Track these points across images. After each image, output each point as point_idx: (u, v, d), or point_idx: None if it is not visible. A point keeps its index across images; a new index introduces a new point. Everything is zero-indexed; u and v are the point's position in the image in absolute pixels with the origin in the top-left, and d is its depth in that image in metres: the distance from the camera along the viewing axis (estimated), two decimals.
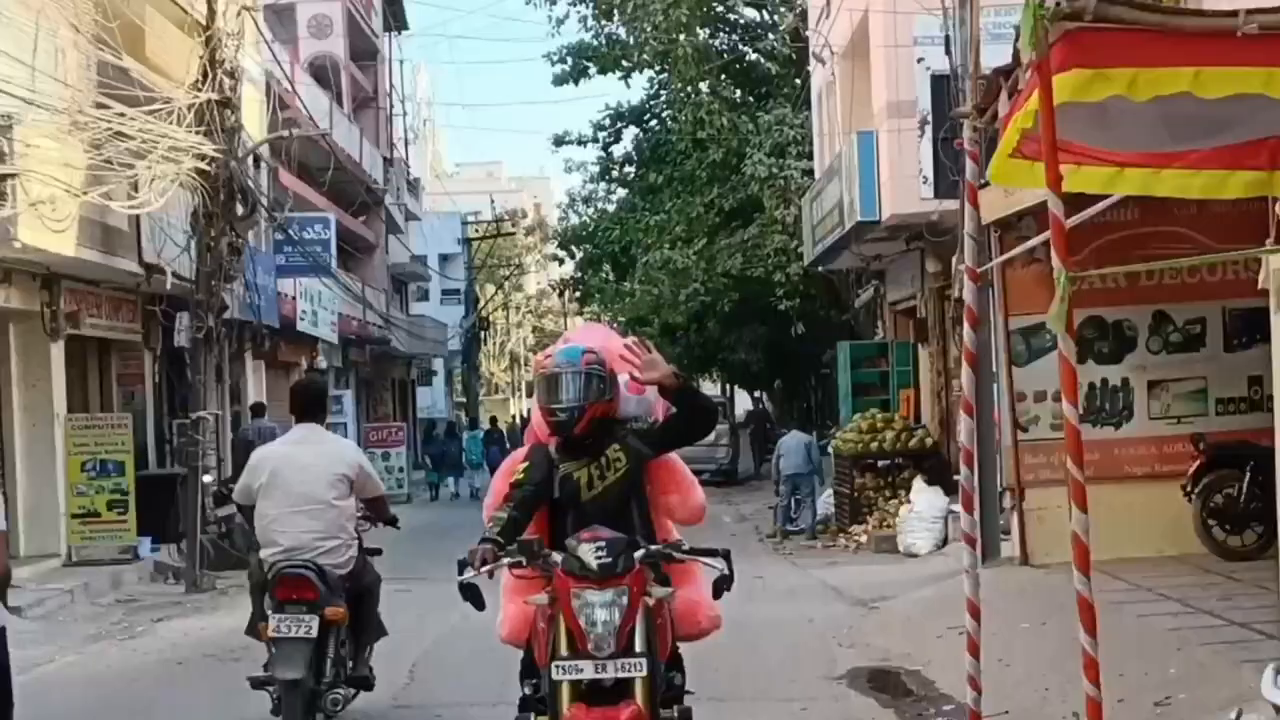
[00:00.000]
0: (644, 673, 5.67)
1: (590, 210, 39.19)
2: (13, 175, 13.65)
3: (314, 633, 7.77)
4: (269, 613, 7.93)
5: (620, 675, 5.62)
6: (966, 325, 7.75)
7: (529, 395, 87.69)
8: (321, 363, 30.45)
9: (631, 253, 34.04)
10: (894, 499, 19.20)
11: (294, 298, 26.04)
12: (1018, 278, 13.29)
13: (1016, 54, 6.12)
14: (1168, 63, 5.69)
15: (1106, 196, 7.66)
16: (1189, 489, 12.49)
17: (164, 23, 18.01)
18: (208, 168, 15.60)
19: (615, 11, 32.95)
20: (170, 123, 15.20)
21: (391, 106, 42.14)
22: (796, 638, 12.01)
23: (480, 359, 60.76)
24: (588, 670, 5.61)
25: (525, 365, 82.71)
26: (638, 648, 5.69)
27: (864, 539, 19.18)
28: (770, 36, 32.11)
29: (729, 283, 30.66)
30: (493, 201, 61.49)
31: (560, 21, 34.21)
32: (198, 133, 15.37)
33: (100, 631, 13.28)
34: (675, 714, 6.02)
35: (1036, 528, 13.39)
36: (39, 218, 14.13)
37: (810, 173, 26.98)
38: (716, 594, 6.20)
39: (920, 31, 16.78)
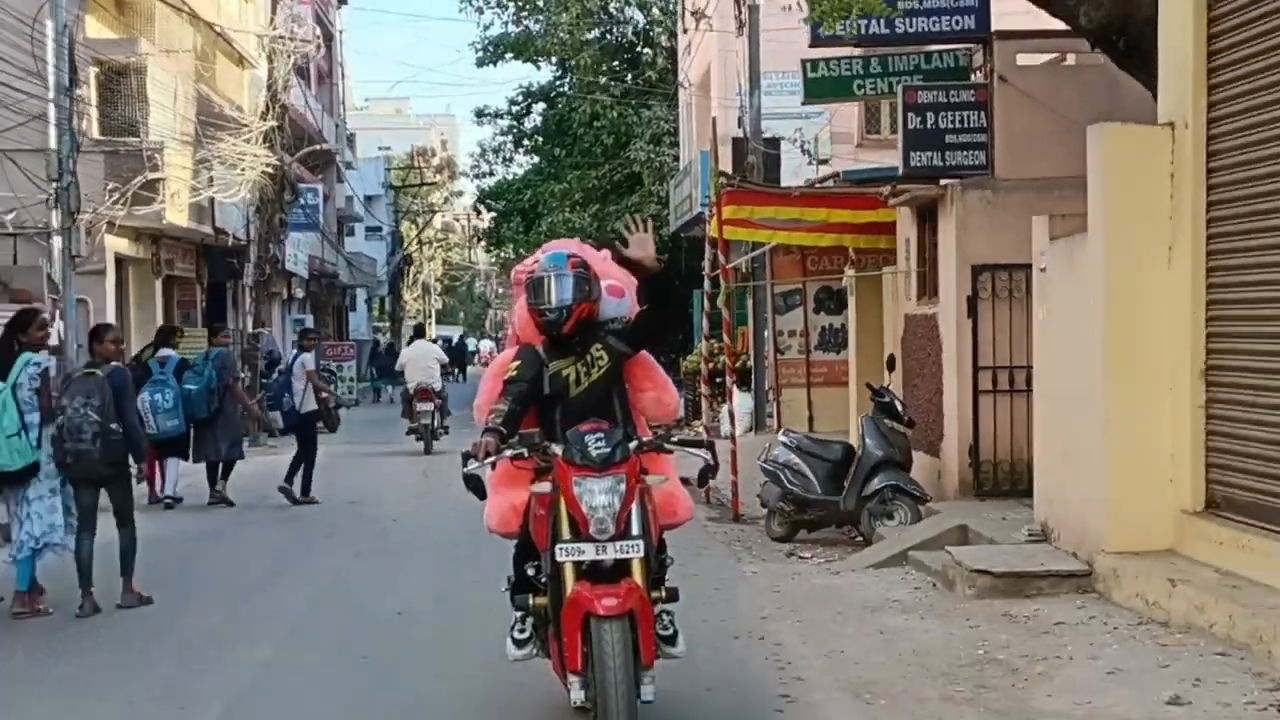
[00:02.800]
0: (640, 554, 5.96)
1: (499, 159, 47.53)
2: (162, 179, 21.91)
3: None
4: (415, 402, 18.21)
5: (619, 556, 5.91)
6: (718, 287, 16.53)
7: (438, 322, 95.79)
8: (299, 293, 38.66)
9: (539, 209, 42.33)
10: (722, 402, 27.87)
11: (284, 242, 34.31)
12: (780, 261, 22.03)
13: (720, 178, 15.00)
14: (769, 204, 14.61)
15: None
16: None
17: (228, 64, 26.22)
18: (271, 170, 23.95)
19: (527, 10, 41.51)
20: (248, 140, 23.54)
21: (344, 78, 49.96)
22: None
23: (402, 289, 68.68)
24: (589, 552, 5.89)
25: (434, 294, 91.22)
26: (635, 531, 5.97)
27: (700, 429, 27.88)
28: (649, 51, 40.53)
29: (616, 239, 39.16)
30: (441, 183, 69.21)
31: (481, 11, 42.35)
32: (267, 147, 23.70)
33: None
34: (664, 593, 6.38)
35: (786, 411, 22.26)
36: (173, 205, 22.44)
37: (678, 158, 35.53)
38: (702, 482, 6.82)
39: (741, 93, 25.32)
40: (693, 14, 23.69)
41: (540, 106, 45.82)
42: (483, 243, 58.71)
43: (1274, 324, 8.12)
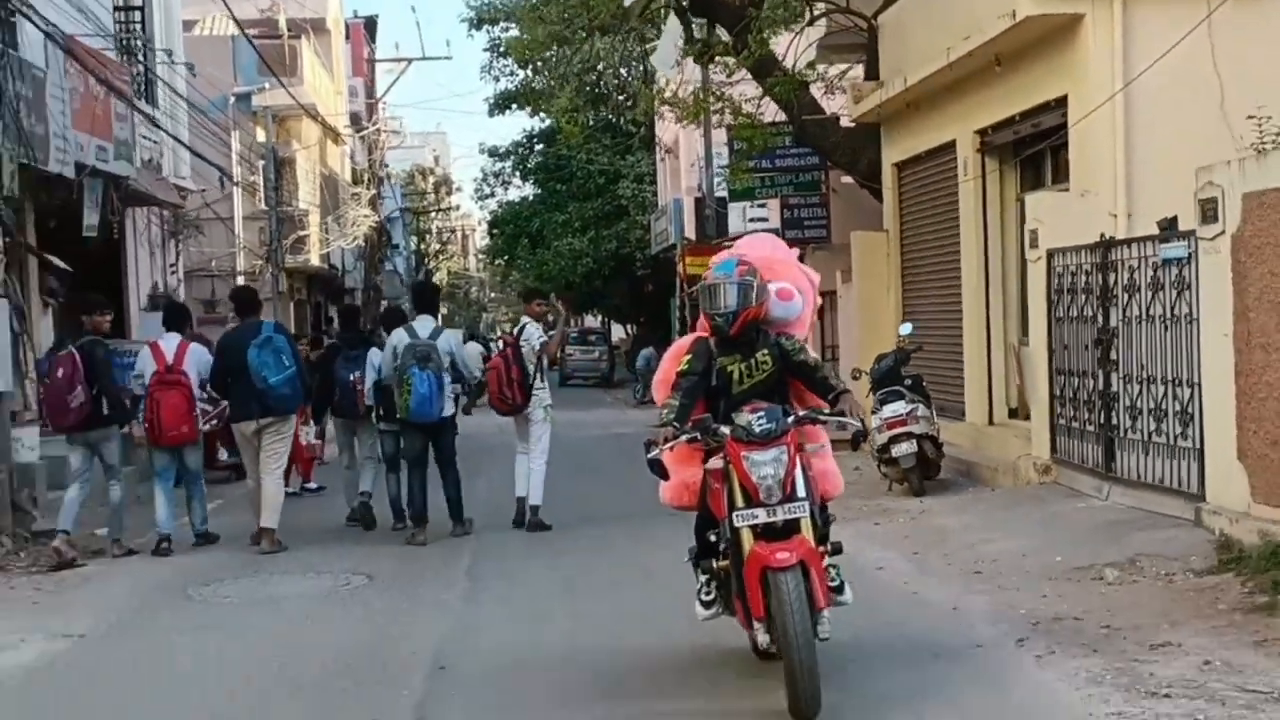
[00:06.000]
0: (806, 513, 6.73)
1: (499, 183, 57.80)
2: (307, 235, 32.40)
3: None
4: None
5: (788, 517, 6.67)
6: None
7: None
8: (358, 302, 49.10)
9: (543, 233, 52.59)
10: None
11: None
12: None
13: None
14: (714, 253, 25.20)
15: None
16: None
17: (332, 147, 36.58)
18: (374, 225, 34.29)
19: (530, 67, 51.97)
20: (355, 198, 33.97)
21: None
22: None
23: None
24: (762, 515, 6.66)
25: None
26: (800, 493, 6.75)
27: None
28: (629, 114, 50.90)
29: (608, 257, 49.58)
30: (439, 198, 79.28)
31: (497, 80, 52.59)
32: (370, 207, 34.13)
33: None
34: (829, 548, 7.09)
35: None
36: (312, 252, 32.90)
37: (657, 193, 45.94)
38: (855, 445, 8.11)
39: (699, 164, 35.66)
40: (667, 151, 33.59)
41: (540, 146, 56.17)
42: (485, 258, 68.87)
43: (930, 319, 18.51)
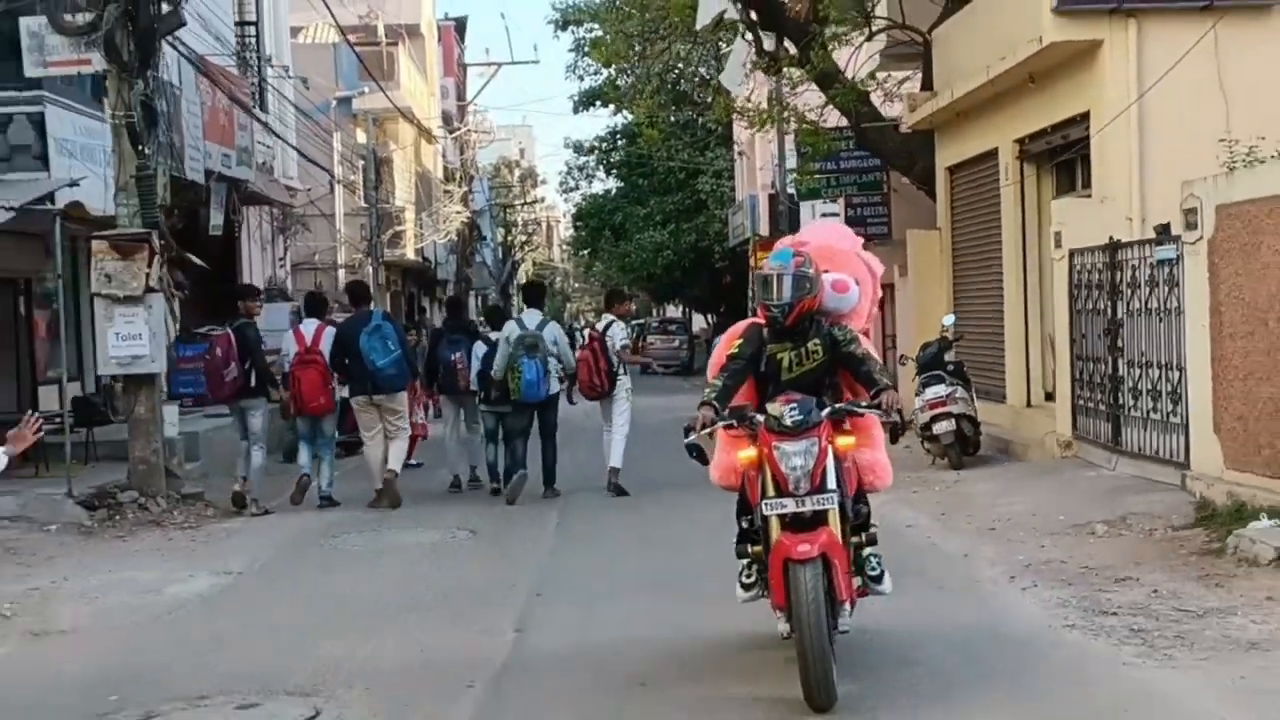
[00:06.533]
0: (833, 505, 6.81)
1: (583, 176, 59.66)
2: (404, 230, 34.48)
3: None
4: None
5: (815, 508, 6.78)
6: None
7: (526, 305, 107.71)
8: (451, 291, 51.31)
9: (626, 227, 54.47)
10: None
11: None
12: None
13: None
14: None
15: None
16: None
17: (426, 146, 38.67)
18: (466, 220, 36.33)
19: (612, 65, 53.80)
20: (448, 194, 36.02)
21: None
22: None
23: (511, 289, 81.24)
24: (790, 505, 6.77)
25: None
26: (829, 485, 6.82)
27: None
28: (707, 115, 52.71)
29: (688, 250, 51.41)
30: (524, 191, 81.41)
31: (582, 79, 54.50)
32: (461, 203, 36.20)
33: None
34: (863, 539, 7.34)
35: None
36: (408, 246, 34.98)
37: (735, 188, 47.70)
38: (893, 439, 7.55)
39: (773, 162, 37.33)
40: (740, 153, 35.32)
41: (622, 142, 58.01)
42: (569, 249, 70.88)
43: (975, 311, 20.14)
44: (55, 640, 9.18)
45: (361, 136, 34.57)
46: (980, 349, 19.02)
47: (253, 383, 14.27)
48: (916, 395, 16.43)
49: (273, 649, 8.66)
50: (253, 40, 26.21)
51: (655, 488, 15.46)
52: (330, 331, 14.77)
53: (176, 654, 8.64)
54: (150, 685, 7.83)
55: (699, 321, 70.58)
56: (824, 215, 32.81)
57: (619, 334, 15.45)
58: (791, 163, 33.83)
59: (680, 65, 52.86)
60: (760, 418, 7.05)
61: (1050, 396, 17.68)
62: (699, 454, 7.34)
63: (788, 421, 6.88)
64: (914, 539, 11.81)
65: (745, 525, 7.46)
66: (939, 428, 16.11)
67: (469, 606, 9.76)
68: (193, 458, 17.50)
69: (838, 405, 7.21)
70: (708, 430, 7.13)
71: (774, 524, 6.85)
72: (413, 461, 19.12)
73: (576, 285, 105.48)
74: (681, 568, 10.87)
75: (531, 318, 15.23)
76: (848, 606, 6.96)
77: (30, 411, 8.14)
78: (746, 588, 7.50)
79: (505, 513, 14.37)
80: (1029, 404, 18.16)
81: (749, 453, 7.09)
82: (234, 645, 8.83)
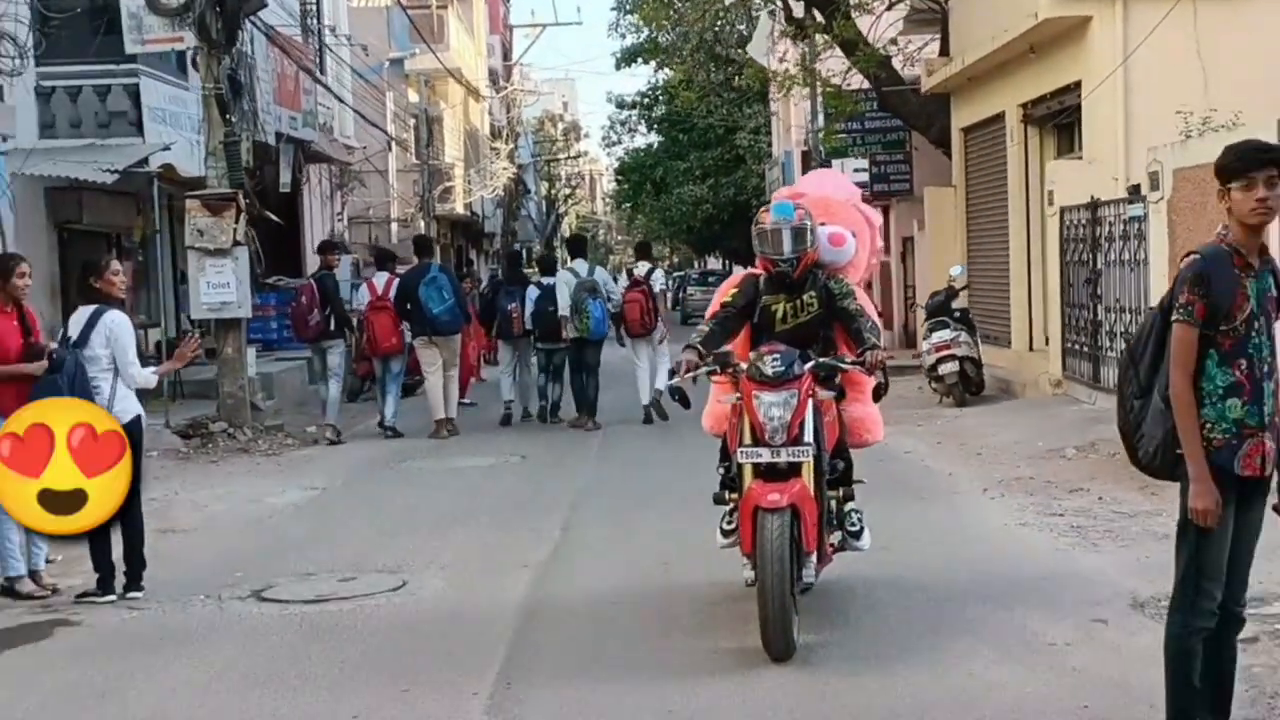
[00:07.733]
0: (808, 458, 6.82)
1: (625, 131, 61.17)
2: (453, 185, 36.17)
3: None
4: None
5: (790, 460, 6.78)
6: None
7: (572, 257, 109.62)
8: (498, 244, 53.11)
9: (666, 181, 56.04)
10: None
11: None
12: None
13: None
14: None
15: None
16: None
17: (473, 105, 40.34)
18: (512, 176, 38.03)
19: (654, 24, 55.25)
20: (494, 151, 37.73)
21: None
22: None
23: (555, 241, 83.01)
24: (765, 455, 6.79)
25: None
26: (805, 438, 6.83)
27: None
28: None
29: (726, 204, 53.01)
30: (567, 144, 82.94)
31: (624, 37, 55.99)
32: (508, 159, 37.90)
33: None
34: (840, 494, 7.40)
35: None
36: (458, 201, 36.71)
37: (772, 144, 49.19)
38: (876, 398, 7.51)
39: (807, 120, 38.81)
40: (772, 114, 36.84)
41: (663, 98, 59.47)
42: (611, 202, 72.48)
43: (985, 262, 21.72)
44: (180, 536, 11.02)
45: (413, 96, 36.28)
46: (989, 298, 20.66)
47: (332, 326, 16.09)
48: (924, 339, 18.10)
49: (360, 542, 10.48)
50: (313, 8, 27.89)
51: (691, 419, 17.03)
52: (398, 282, 16.56)
53: (282, 545, 10.48)
54: (265, 566, 9.66)
55: (738, 272, 72.26)
56: (855, 171, 34.39)
57: (659, 277, 17.43)
58: (821, 123, 35.56)
59: (719, 24, 54.56)
60: (744, 365, 7.11)
61: (1049, 341, 19.33)
62: (681, 396, 7.45)
63: (769, 371, 6.90)
64: (910, 461, 13.52)
65: (722, 472, 7.54)
66: (944, 369, 17.77)
67: (522, 513, 11.54)
68: (269, 396, 19.36)
69: (820, 360, 7.24)
70: (691, 375, 7.23)
71: (748, 471, 6.91)
72: (467, 401, 20.99)
73: (619, 238, 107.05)
74: (709, 485, 12.50)
75: (581, 266, 17.08)
76: (813, 559, 7.00)
77: (192, 331, 9.91)
78: (726, 534, 7.53)
79: (552, 440, 16.16)
80: (1031, 348, 19.78)
81: (732, 398, 7.24)
82: (328, 540, 10.66)
